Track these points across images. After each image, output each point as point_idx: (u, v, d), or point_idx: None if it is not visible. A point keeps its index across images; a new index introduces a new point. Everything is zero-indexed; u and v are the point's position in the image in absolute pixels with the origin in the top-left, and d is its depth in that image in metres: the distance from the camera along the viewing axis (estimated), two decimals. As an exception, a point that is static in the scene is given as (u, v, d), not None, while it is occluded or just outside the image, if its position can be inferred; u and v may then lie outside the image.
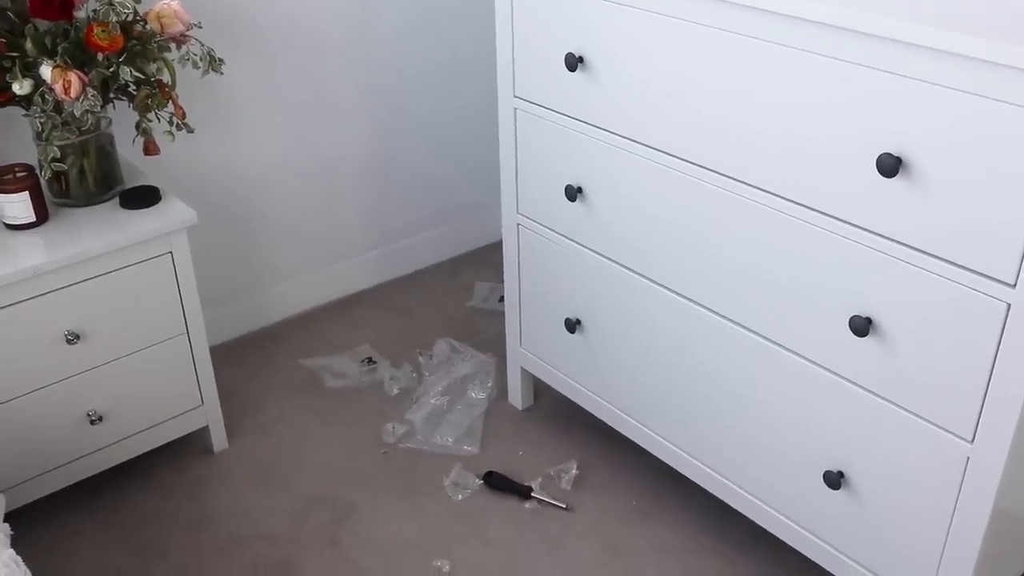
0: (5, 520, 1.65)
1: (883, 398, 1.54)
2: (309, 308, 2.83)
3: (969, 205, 1.33)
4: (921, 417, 1.50)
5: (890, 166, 1.38)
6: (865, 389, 1.56)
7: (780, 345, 1.67)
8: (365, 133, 2.74)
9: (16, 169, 1.94)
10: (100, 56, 1.83)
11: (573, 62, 1.82)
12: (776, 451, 1.77)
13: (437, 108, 2.85)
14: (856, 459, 1.63)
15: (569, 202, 1.97)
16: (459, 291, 2.90)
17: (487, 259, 3.03)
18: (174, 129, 2.01)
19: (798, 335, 1.64)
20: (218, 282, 2.60)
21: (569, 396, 2.22)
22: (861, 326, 1.50)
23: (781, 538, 1.84)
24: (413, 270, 3.02)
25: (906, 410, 1.52)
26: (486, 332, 2.68)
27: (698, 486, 1.99)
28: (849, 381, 1.58)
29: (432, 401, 2.40)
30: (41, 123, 1.87)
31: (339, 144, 2.70)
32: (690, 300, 1.81)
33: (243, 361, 2.61)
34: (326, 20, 2.53)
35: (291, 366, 2.59)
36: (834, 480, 1.66)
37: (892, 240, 1.44)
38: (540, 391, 2.43)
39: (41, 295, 1.87)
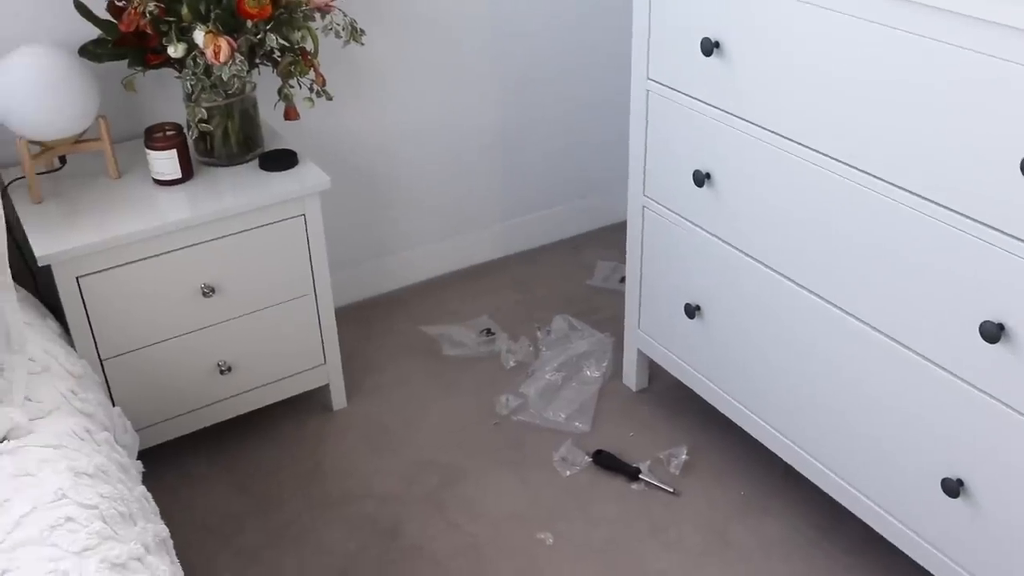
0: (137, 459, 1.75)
1: (1011, 407, 1.49)
2: (432, 276, 2.89)
3: (1118, 214, 1.27)
4: (1050, 431, 1.45)
5: (1035, 169, 1.32)
6: (992, 397, 1.51)
7: (906, 346, 1.63)
8: (496, 108, 2.77)
9: (166, 128, 2.04)
10: (249, 23, 1.90)
11: (709, 47, 1.80)
12: (894, 453, 1.73)
13: (569, 86, 2.86)
14: (978, 468, 1.58)
15: (696, 187, 1.96)
16: (580, 269, 2.91)
17: (611, 238, 3.03)
18: (314, 96, 2.08)
19: (926, 337, 1.59)
20: (346, 246, 2.68)
21: (684, 381, 2.21)
22: (992, 332, 1.45)
23: (893, 542, 1.80)
24: (537, 245, 3.04)
25: (1034, 422, 1.46)
26: (605, 311, 2.69)
27: (810, 482, 1.96)
28: (976, 388, 1.53)
29: (547, 376, 2.42)
30: (191, 85, 1.95)
31: (470, 118, 2.73)
32: (815, 295, 1.78)
33: (365, 324, 2.68)
34: (465, -6, 2.56)
35: (411, 332, 2.65)
36: (953, 488, 1.61)
37: (1032, 245, 1.39)
38: (654, 374, 2.43)
39: (182, 248, 1.97)
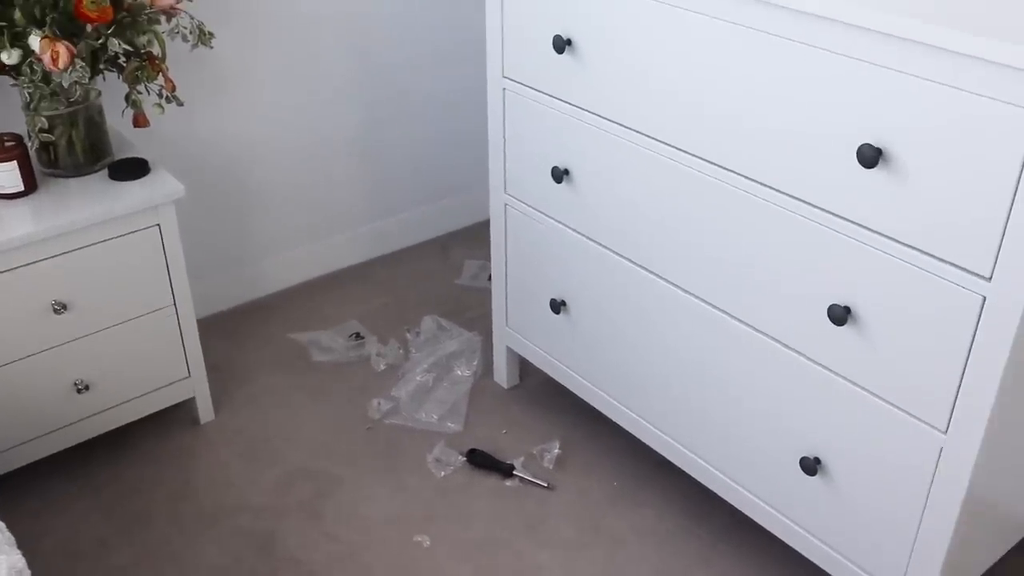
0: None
1: (859, 386, 1.55)
2: (299, 282, 2.84)
3: (947, 198, 1.33)
4: (896, 406, 1.51)
5: (870, 157, 1.38)
6: (842, 377, 1.57)
7: (760, 331, 1.68)
8: (356, 109, 2.74)
9: (5, 139, 1.94)
10: (89, 27, 1.83)
11: (561, 44, 1.81)
12: (755, 436, 1.78)
13: (429, 85, 2.85)
14: (832, 446, 1.64)
15: (556, 184, 1.98)
16: (448, 269, 2.91)
17: (477, 237, 3.03)
18: (164, 102, 2.01)
19: (778, 322, 1.65)
20: (209, 254, 2.61)
21: (553, 376, 2.23)
22: (839, 315, 1.51)
23: (760, 523, 1.85)
24: (404, 246, 3.02)
25: (882, 399, 1.53)
26: (474, 310, 2.69)
27: (681, 470, 2.01)
28: (827, 369, 1.59)
29: (417, 378, 2.41)
30: (29, 93, 1.87)
31: (330, 119, 2.70)
32: (672, 284, 1.82)
33: (232, 334, 2.62)
34: (320, -5, 2.53)
35: (279, 340, 2.60)
36: (810, 466, 1.67)
37: (871, 230, 1.44)
38: (526, 370, 2.44)
39: (28, 264, 1.88)
